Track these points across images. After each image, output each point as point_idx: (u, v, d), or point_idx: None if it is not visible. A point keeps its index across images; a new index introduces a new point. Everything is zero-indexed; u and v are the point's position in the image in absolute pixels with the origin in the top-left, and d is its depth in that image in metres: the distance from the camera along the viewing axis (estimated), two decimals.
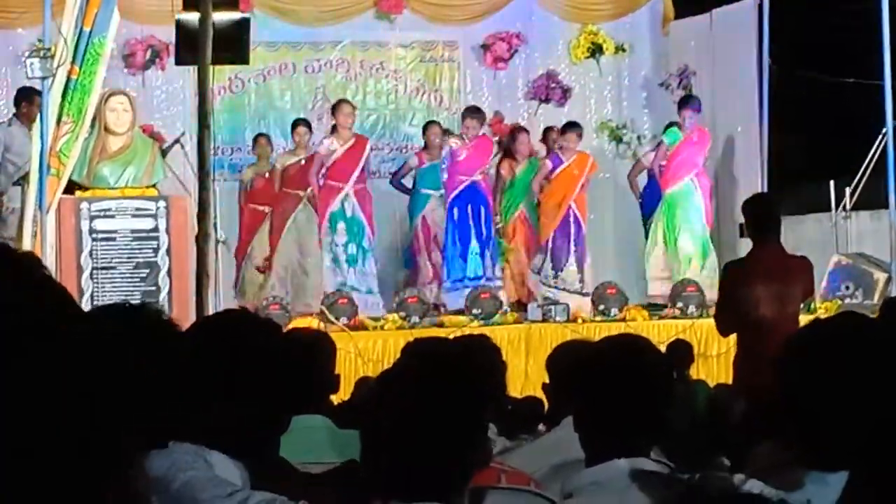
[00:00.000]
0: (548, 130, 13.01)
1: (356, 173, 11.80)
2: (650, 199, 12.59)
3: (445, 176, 12.02)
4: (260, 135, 12.66)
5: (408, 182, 12.50)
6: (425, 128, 12.47)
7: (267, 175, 12.29)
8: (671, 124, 12.56)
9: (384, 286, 12.13)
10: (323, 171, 11.84)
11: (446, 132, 12.45)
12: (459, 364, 2.13)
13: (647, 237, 12.51)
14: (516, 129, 12.83)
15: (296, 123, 12.34)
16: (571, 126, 12.49)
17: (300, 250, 11.96)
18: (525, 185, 12.41)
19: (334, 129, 11.97)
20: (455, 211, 11.95)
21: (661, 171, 12.29)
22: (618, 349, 2.80)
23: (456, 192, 11.93)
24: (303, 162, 12.05)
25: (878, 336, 2.02)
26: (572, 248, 12.21)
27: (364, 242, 11.84)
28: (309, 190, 11.97)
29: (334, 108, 12.04)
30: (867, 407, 1.93)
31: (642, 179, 12.86)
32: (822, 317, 2.27)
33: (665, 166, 12.21)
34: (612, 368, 2.72)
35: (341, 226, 11.79)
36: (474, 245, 11.94)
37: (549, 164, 12.32)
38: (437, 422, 2.05)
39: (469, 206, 11.97)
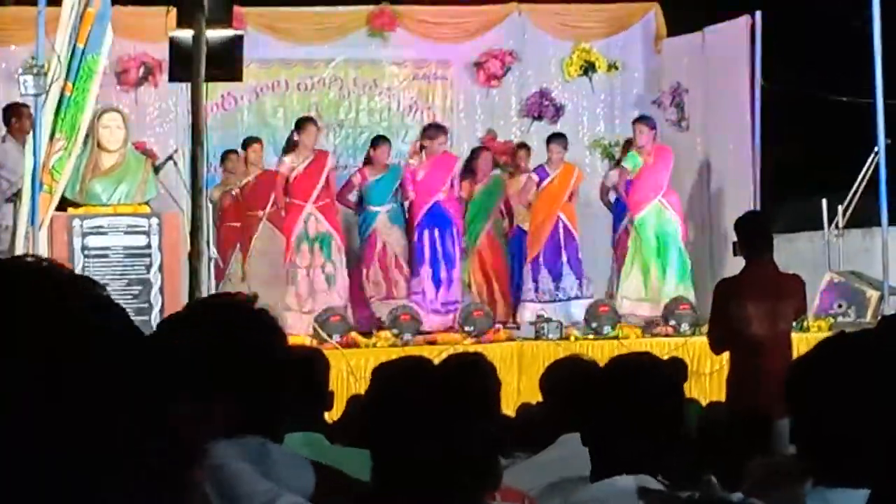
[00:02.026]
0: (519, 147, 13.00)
1: (317, 190, 11.70)
2: (617, 216, 12.66)
3: (412, 195, 11.95)
4: (229, 151, 12.57)
5: (353, 198, 12.33)
6: (375, 143, 12.28)
7: (234, 192, 12.25)
8: (627, 144, 12.63)
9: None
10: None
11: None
12: (456, 385, 2.14)
13: (613, 250, 12.56)
14: (479, 149, 12.87)
15: (249, 141, 12.21)
16: (555, 137, 12.51)
17: (268, 270, 11.85)
18: (487, 204, 12.41)
19: (294, 146, 11.88)
20: (424, 234, 11.89)
21: (627, 193, 12.32)
22: (626, 368, 2.81)
23: (421, 214, 11.88)
24: (255, 178, 11.99)
25: (889, 354, 2.04)
26: (564, 258, 12.23)
27: (332, 255, 11.77)
28: (268, 208, 11.86)
29: (299, 126, 11.91)
30: (884, 424, 1.94)
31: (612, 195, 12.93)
32: (841, 334, 2.28)
33: (630, 192, 12.23)
34: (623, 388, 2.72)
35: (304, 248, 11.73)
36: (444, 273, 11.90)
37: (535, 177, 12.34)
38: (442, 443, 2.05)
39: (436, 230, 11.91)
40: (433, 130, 12.17)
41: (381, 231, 12.07)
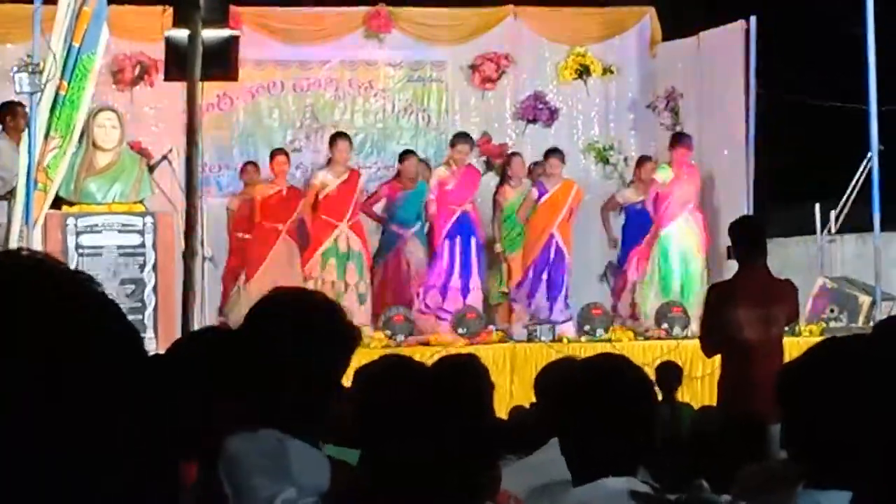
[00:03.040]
0: (534, 165, 12.91)
1: (350, 209, 11.84)
2: (632, 236, 12.51)
3: (434, 207, 11.99)
4: (248, 163, 12.59)
5: (379, 210, 12.43)
6: (403, 157, 12.37)
7: (254, 201, 12.21)
8: (642, 160, 12.62)
9: None
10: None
11: (421, 161, 12.44)
12: (448, 385, 2.15)
13: (626, 263, 12.52)
14: (511, 154, 12.83)
15: (274, 153, 12.25)
16: (554, 152, 12.48)
17: (276, 284, 11.82)
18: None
19: (329, 161, 12.03)
20: (447, 244, 11.92)
21: (654, 207, 12.25)
22: (597, 369, 2.81)
23: (449, 224, 11.89)
24: (284, 192, 12.01)
25: (883, 358, 2.05)
26: (545, 276, 12.14)
27: (363, 272, 11.86)
28: (289, 223, 11.92)
29: (332, 142, 12.08)
30: (878, 426, 1.96)
31: (618, 216, 12.84)
32: (833, 339, 2.29)
33: (657, 206, 12.16)
34: (592, 389, 2.72)
35: (332, 262, 11.79)
36: (475, 279, 11.91)
37: (535, 192, 12.30)
38: (434, 443, 2.06)
39: (460, 239, 11.94)
40: (455, 138, 12.24)
41: (405, 250, 12.11)
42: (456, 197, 11.96)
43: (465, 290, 11.92)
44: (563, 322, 11.81)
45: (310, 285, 11.71)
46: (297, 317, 2.54)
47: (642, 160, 12.75)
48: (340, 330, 2.54)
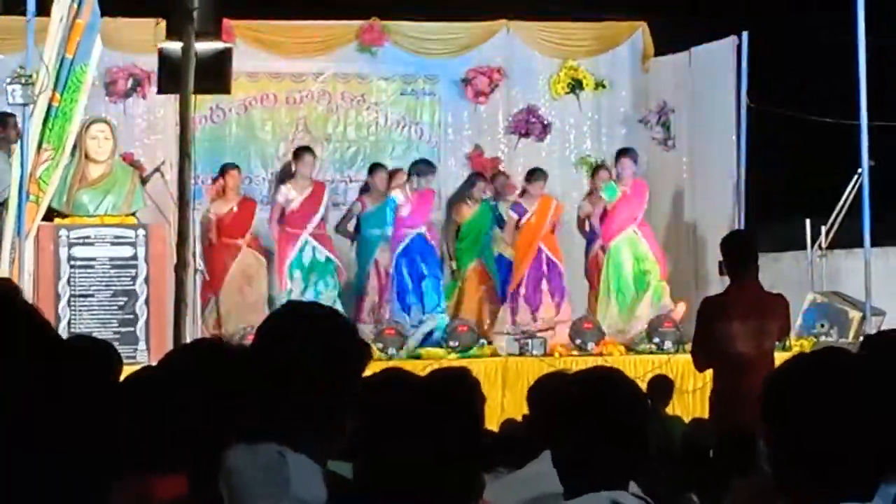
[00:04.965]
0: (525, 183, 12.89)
1: (315, 219, 11.82)
2: (588, 242, 12.67)
3: (391, 228, 11.97)
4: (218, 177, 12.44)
5: (351, 227, 12.44)
6: (371, 170, 12.44)
7: (212, 218, 11.92)
8: (597, 168, 12.69)
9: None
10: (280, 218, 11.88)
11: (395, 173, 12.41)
12: (443, 391, 2.16)
13: (586, 276, 12.57)
14: (474, 175, 12.85)
15: (226, 168, 12.11)
16: (538, 174, 12.51)
17: (243, 293, 11.73)
18: (480, 231, 12.36)
19: (292, 175, 12.00)
20: (402, 262, 11.86)
21: (602, 221, 12.34)
22: (592, 382, 2.82)
23: (402, 245, 11.84)
24: (235, 209, 11.89)
25: (869, 370, 2.06)
26: (545, 286, 12.20)
27: (329, 279, 11.80)
28: (248, 236, 11.84)
29: (295, 156, 12.05)
30: (865, 438, 1.96)
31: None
32: (807, 351, 2.31)
33: (605, 221, 12.27)
34: (588, 401, 2.73)
35: (297, 275, 11.74)
36: (412, 297, 11.82)
37: (514, 215, 12.33)
38: (434, 443, 2.06)
39: (414, 260, 11.88)
40: (424, 166, 12.12)
41: (382, 259, 12.07)
42: (410, 221, 11.89)
43: (422, 308, 11.85)
44: (561, 324, 11.83)
45: (282, 297, 11.65)
46: (302, 330, 2.53)
47: (597, 169, 12.84)
48: (348, 345, 2.54)
